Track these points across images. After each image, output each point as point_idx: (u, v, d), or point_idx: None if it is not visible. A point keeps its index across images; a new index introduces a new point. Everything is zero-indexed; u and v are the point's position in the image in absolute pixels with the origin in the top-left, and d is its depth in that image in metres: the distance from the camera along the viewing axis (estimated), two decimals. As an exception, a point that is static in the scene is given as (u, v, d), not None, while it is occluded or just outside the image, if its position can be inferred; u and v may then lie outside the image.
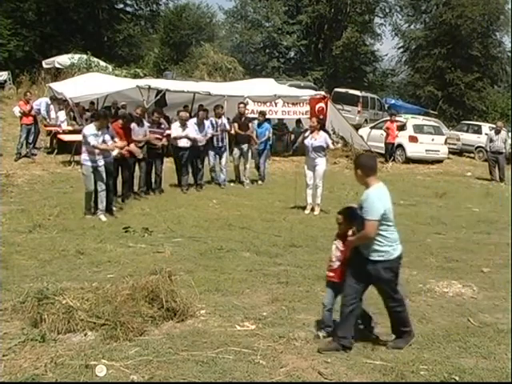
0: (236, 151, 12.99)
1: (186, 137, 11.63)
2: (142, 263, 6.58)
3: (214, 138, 12.38)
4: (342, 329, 4.58)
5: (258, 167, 13.63)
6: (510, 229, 9.25)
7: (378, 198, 4.40)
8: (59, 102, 16.02)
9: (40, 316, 4.63)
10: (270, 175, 14.88)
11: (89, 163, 8.78)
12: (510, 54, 37.66)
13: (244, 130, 12.94)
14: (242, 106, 13.46)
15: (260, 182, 13.46)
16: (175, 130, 11.66)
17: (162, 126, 11.65)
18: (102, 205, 8.89)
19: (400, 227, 9.16)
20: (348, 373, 4.24)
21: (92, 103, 16.46)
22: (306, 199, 10.33)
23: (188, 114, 12.39)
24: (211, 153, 12.44)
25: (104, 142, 8.91)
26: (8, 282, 5.76)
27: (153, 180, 11.32)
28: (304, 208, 10.30)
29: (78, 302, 4.72)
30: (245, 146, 12.90)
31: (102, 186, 8.84)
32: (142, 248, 7.39)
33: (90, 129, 8.89)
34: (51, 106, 16.10)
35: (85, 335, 4.54)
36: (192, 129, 11.77)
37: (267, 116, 17.71)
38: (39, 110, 15.82)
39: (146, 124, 10.96)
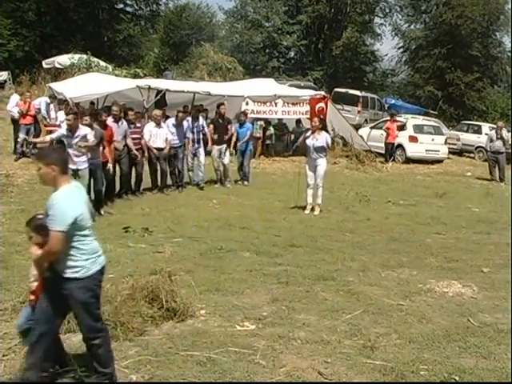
0: (214, 152, 12.69)
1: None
2: (142, 263, 6.57)
3: (191, 140, 12.18)
4: (29, 359, 3.80)
5: (240, 168, 13.28)
6: (510, 229, 9.25)
7: (66, 204, 3.64)
8: (59, 101, 16.01)
9: (40, 316, 4.62)
10: (269, 175, 14.90)
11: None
12: (510, 54, 37.67)
13: (222, 132, 12.63)
14: (222, 107, 12.98)
15: (245, 182, 13.13)
16: (149, 130, 11.27)
17: (139, 125, 11.30)
18: None
19: (400, 227, 9.38)
20: (348, 373, 4.24)
21: (92, 103, 16.44)
22: (306, 199, 10.33)
23: (161, 113, 12.10)
24: (189, 153, 12.26)
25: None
26: (8, 282, 5.75)
27: (133, 181, 10.98)
28: (304, 208, 10.30)
29: (78, 302, 4.72)
30: (222, 147, 12.60)
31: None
32: (142, 248, 7.39)
33: (61, 129, 8.89)
34: (51, 106, 16.09)
35: (85, 335, 4.54)
36: (166, 130, 11.47)
37: (267, 116, 17.88)
38: (39, 109, 15.81)
39: (125, 123, 10.58)
